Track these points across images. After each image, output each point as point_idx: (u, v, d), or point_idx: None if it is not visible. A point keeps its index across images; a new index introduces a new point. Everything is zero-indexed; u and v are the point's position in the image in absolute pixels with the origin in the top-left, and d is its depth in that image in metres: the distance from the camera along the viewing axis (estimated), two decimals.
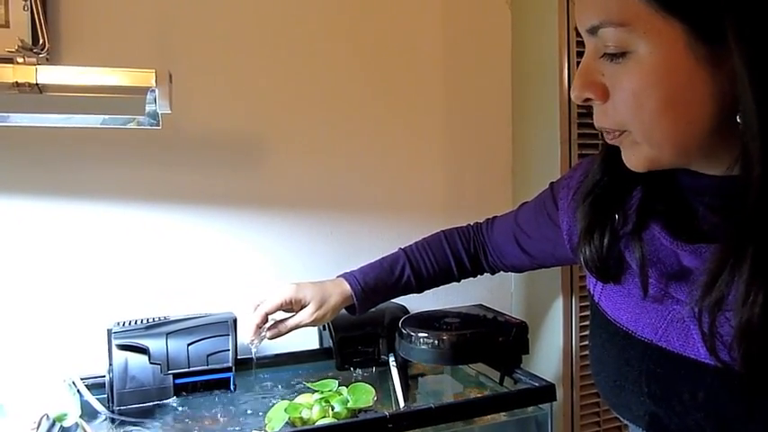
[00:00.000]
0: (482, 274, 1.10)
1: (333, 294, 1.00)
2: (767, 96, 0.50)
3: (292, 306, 1.00)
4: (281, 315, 1.01)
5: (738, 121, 0.53)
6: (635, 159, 0.60)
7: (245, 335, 0.99)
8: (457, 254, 1.06)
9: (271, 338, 0.99)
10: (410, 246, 1.08)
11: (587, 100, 0.59)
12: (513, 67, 1.47)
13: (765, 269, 0.51)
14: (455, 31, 1.42)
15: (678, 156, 0.58)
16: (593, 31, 0.56)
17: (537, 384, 0.99)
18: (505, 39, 1.47)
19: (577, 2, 0.58)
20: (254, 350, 1.00)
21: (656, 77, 0.53)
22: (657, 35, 0.52)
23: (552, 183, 0.93)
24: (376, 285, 1.02)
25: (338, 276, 1.04)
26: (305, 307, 1.00)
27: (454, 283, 1.11)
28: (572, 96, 0.60)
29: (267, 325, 0.99)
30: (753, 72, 0.50)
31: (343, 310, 1.04)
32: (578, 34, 1.26)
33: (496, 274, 1.12)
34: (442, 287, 1.11)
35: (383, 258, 1.06)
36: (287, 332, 1.00)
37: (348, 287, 1.01)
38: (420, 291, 1.08)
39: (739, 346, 0.54)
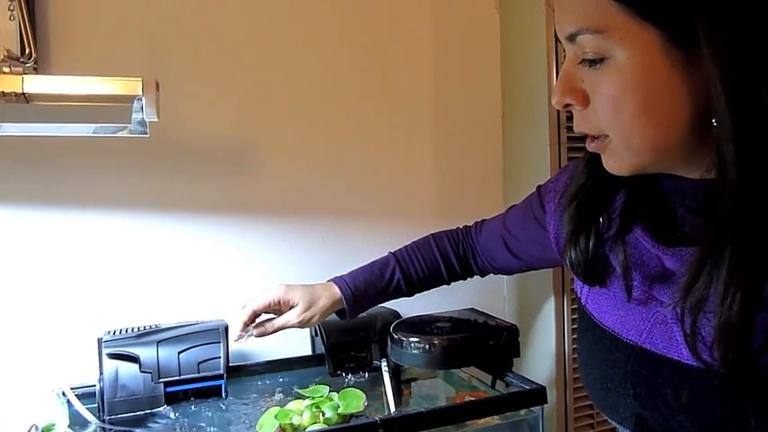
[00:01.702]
0: (471, 276, 1.11)
1: (322, 297, 1.01)
2: (739, 99, 0.50)
3: (281, 307, 1.01)
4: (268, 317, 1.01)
5: (714, 123, 0.53)
6: (616, 164, 0.60)
7: (232, 334, 1.00)
8: (446, 256, 1.07)
9: (257, 336, 0.99)
10: (400, 249, 1.08)
11: (568, 106, 0.59)
12: (502, 71, 1.48)
13: (743, 270, 0.52)
14: (444, 36, 1.42)
15: (658, 160, 0.58)
16: (571, 38, 0.56)
17: (528, 387, 0.99)
18: (494, 43, 1.48)
19: (556, 10, 0.58)
20: (242, 341, 1.00)
21: (633, 82, 0.54)
22: (634, 41, 0.53)
23: (539, 186, 0.94)
24: (366, 289, 1.03)
25: (329, 280, 1.04)
26: (293, 308, 1.00)
27: (445, 287, 1.11)
28: (553, 102, 0.61)
29: (254, 324, 0.99)
30: (725, 74, 0.50)
31: (334, 315, 1.05)
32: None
33: (487, 278, 1.12)
34: (433, 291, 1.11)
35: (373, 262, 1.06)
36: (273, 331, 1.00)
37: (338, 290, 1.02)
38: (410, 294, 1.08)
39: (719, 347, 0.54)
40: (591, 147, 0.61)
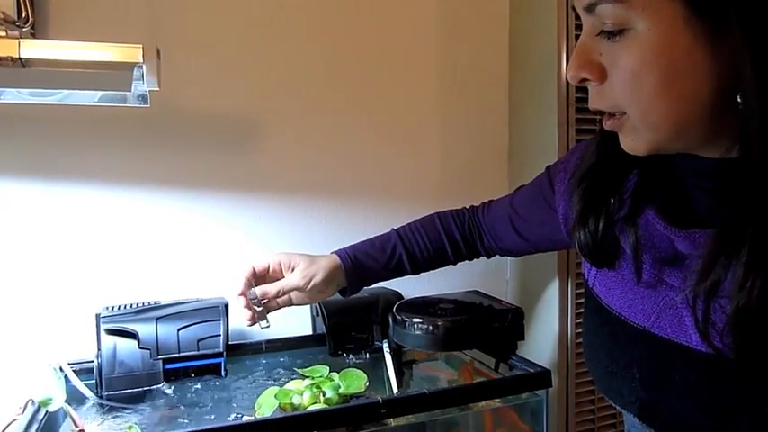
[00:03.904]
0: (478, 257, 1.09)
1: (322, 258, 0.99)
2: None
3: (282, 270, 0.98)
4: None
5: (738, 100, 0.52)
6: (633, 143, 0.58)
7: (236, 308, 0.97)
8: (451, 235, 1.05)
9: (260, 297, 0.96)
10: (402, 226, 1.06)
11: (583, 81, 0.57)
12: (510, 49, 1.45)
13: (764, 254, 0.50)
14: (451, 13, 1.39)
15: (677, 138, 0.56)
16: (590, 8, 0.54)
17: (532, 370, 0.98)
18: (503, 20, 1.45)
19: None
20: (261, 325, 0.97)
21: (654, 55, 0.52)
22: (656, 12, 0.51)
23: (549, 166, 0.92)
24: (366, 262, 1.01)
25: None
26: (295, 271, 0.98)
27: (449, 267, 1.10)
28: (568, 77, 0.59)
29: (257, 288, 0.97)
30: (754, 50, 0.48)
31: (337, 295, 1.03)
32: (578, 17, 1.25)
33: (490, 260, 1.11)
34: (434, 273, 1.09)
35: (374, 237, 1.05)
36: (277, 292, 0.96)
37: (337, 257, 1.00)
38: (415, 272, 1.06)
39: (733, 333, 0.53)
40: (607, 125, 0.59)
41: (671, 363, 0.62)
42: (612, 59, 0.54)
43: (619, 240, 0.67)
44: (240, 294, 0.95)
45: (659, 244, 0.63)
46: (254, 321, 0.96)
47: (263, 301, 0.96)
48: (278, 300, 0.98)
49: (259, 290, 0.96)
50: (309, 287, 0.97)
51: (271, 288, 0.96)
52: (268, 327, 0.96)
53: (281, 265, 0.98)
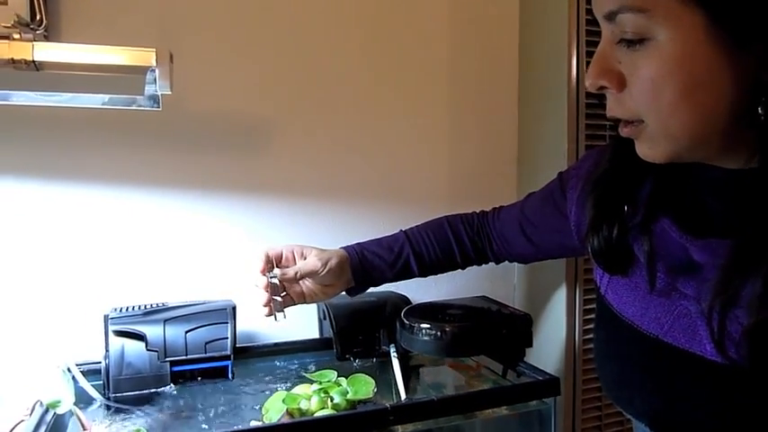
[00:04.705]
0: (486, 262, 1.09)
1: (332, 250, 1.00)
2: None
3: (293, 259, 0.99)
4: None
5: (759, 112, 0.51)
6: (650, 151, 0.58)
7: (253, 299, 0.97)
8: (460, 239, 1.05)
9: (284, 305, 0.97)
10: (411, 228, 1.07)
11: (602, 88, 0.57)
12: (520, 55, 1.45)
13: None
14: (462, 17, 1.39)
15: (695, 148, 0.56)
16: (610, 16, 0.54)
17: (541, 378, 0.98)
18: (513, 25, 1.44)
19: None
20: (277, 314, 0.97)
21: (674, 65, 0.51)
22: (678, 22, 0.50)
23: (561, 172, 0.92)
24: (373, 260, 1.01)
25: None
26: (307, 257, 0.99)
27: (456, 271, 1.10)
28: (587, 84, 0.58)
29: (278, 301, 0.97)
30: None
31: (343, 295, 1.03)
32: (589, 22, 1.24)
33: (499, 264, 1.10)
34: (441, 277, 1.09)
35: (382, 237, 1.05)
36: (296, 277, 0.97)
37: (345, 252, 1.00)
38: (423, 275, 1.06)
39: (750, 344, 0.53)
40: (624, 132, 0.59)
41: (684, 372, 0.62)
42: (632, 68, 0.54)
43: (632, 248, 0.67)
44: (261, 272, 0.96)
45: (673, 252, 0.63)
46: (271, 312, 0.96)
47: (281, 291, 0.96)
48: (294, 290, 0.99)
49: (277, 271, 0.97)
50: (325, 271, 0.97)
51: (289, 270, 0.97)
52: (284, 318, 0.97)
53: (293, 253, 1.00)
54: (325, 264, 0.97)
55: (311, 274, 0.98)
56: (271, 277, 0.96)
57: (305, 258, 0.99)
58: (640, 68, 0.53)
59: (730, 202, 0.60)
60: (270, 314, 0.96)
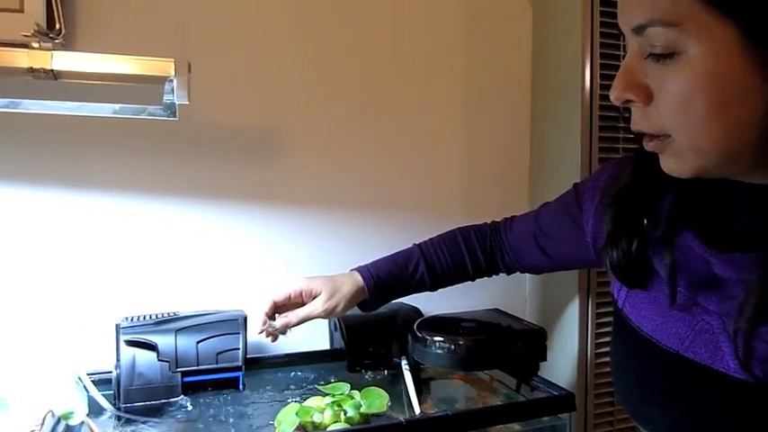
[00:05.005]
0: (497, 273, 1.08)
1: (345, 284, 0.98)
2: None
3: (303, 298, 0.98)
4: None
5: None
6: (676, 166, 0.57)
7: (255, 329, 0.97)
8: (472, 251, 1.04)
9: (280, 329, 0.96)
10: (425, 242, 1.05)
11: (627, 101, 0.56)
12: (533, 66, 1.44)
13: None
14: (476, 30, 1.39)
15: (724, 164, 0.55)
16: (638, 30, 0.53)
17: (556, 393, 0.97)
18: (526, 37, 1.44)
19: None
20: (271, 332, 0.97)
21: (706, 80, 0.50)
22: (709, 36, 0.49)
23: (576, 184, 0.91)
24: (389, 280, 1.00)
25: (351, 270, 1.02)
26: (316, 298, 0.97)
27: (464, 285, 1.08)
28: (612, 98, 0.57)
29: (278, 317, 0.97)
30: None
31: (355, 309, 1.02)
32: (603, 34, 1.23)
33: (511, 276, 1.09)
34: (453, 288, 1.08)
35: (397, 253, 1.04)
36: (298, 322, 0.97)
37: (360, 279, 0.99)
38: (433, 289, 1.05)
39: None
40: (649, 146, 0.58)
41: (705, 388, 0.61)
42: (660, 82, 0.53)
43: (652, 261, 0.66)
44: (259, 332, 0.96)
45: (695, 266, 0.62)
46: (275, 338, 0.97)
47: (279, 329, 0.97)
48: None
49: (279, 322, 0.96)
50: (331, 317, 0.99)
51: (292, 319, 0.97)
52: (287, 335, 0.98)
53: (302, 293, 0.98)
54: (331, 311, 0.97)
55: (316, 318, 0.98)
56: (271, 330, 0.96)
57: (315, 297, 0.98)
58: (669, 82, 0.52)
59: (754, 217, 0.59)
60: (274, 340, 0.98)
